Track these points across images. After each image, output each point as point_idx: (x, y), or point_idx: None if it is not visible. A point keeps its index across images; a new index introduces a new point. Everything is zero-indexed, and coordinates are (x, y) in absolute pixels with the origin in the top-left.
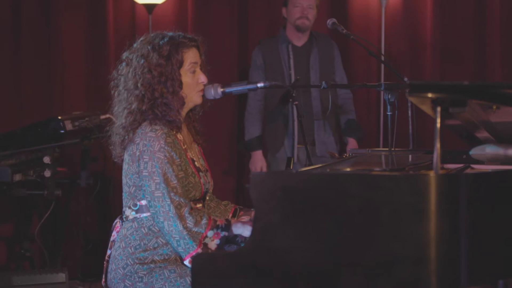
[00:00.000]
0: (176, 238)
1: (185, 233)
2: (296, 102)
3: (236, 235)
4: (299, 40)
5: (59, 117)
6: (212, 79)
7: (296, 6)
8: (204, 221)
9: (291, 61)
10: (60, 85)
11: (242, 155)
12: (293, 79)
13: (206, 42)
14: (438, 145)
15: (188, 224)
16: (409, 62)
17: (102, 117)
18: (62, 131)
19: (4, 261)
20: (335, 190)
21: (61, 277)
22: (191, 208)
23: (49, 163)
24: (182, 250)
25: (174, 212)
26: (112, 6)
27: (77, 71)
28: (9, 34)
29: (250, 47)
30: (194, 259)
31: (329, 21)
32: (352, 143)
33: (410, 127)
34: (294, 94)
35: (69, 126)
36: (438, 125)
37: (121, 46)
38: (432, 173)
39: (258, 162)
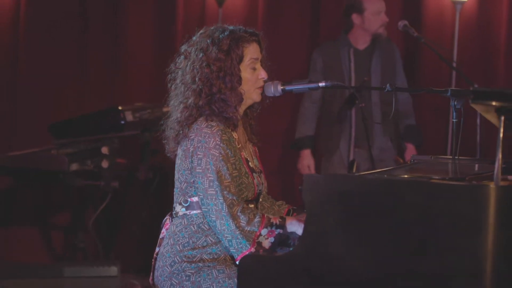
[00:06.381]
0: (228, 238)
1: (237, 232)
2: (363, 104)
3: (289, 238)
4: (363, 44)
5: (119, 108)
6: (279, 76)
7: (377, 14)
8: (257, 219)
9: (352, 64)
10: (124, 75)
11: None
12: (353, 83)
13: (267, 37)
14: (500, 155)
15: (241, 223)
16: (482, 69)
17: (165, 109)
18: (122, 122)
19: (60, 251)
20: (391, 196)
21: (113, 270)
22: (244, 207)
23: (107, 153)
24: (235, 250)
25: (226, 210)
26: None
27: (142, 62)
28: (76, 20)
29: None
30: (241, 261)
31: (401, 23)
32: (410, 149)
33: (478, 136)
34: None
35: (129, 117)
36: (501, 135)
37: (188, 38)
38: (492, 184)
39: (305, 160)
